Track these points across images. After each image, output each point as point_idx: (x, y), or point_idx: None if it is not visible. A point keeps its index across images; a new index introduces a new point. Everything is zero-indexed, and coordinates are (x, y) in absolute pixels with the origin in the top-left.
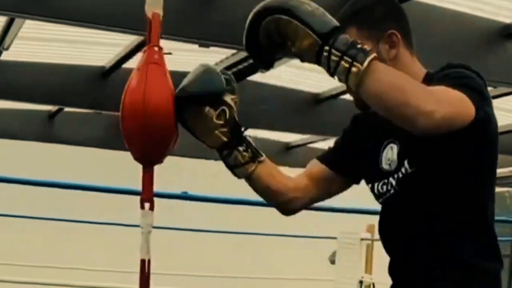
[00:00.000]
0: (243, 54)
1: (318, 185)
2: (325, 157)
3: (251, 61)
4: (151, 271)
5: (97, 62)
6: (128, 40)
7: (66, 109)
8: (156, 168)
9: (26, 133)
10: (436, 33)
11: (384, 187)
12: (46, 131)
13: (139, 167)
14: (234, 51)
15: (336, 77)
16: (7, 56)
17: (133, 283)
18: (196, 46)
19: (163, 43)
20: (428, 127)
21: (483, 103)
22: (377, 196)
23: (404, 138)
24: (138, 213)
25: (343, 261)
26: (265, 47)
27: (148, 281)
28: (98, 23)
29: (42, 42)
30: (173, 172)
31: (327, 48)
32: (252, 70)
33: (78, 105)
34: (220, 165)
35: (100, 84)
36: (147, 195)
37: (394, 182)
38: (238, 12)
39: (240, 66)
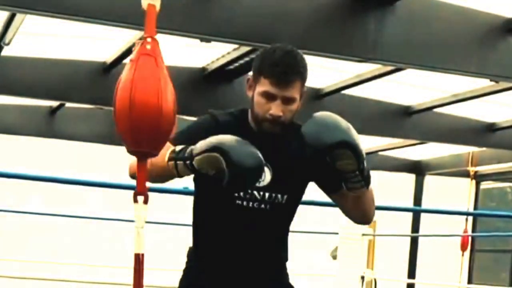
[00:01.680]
0: (245, 48)
1: None
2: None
3: (252, 55)
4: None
5: (98, 57)
6: (129, 35)
7: (67, 104)
8: None
9: (27, 128)
10: (438, 28)
11: (247, 196)
12: (47, 126)
13: None
14: (235, 46)
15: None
16: (8, 51)
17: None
18: (197, 41)
19: (164, 37)
20: None
21: None
22: (236, 199)
23: (277, 167)
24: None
25: (344, 256)
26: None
27: (141, 276)
28: (99, 18)
29: (43, 38)
30: None
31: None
32: None
33: (79, 101)
34: None
35: (101, 79)
36: (141, 189)
37: (259, 197)
38: (240, 7)
39: (241, 61)
